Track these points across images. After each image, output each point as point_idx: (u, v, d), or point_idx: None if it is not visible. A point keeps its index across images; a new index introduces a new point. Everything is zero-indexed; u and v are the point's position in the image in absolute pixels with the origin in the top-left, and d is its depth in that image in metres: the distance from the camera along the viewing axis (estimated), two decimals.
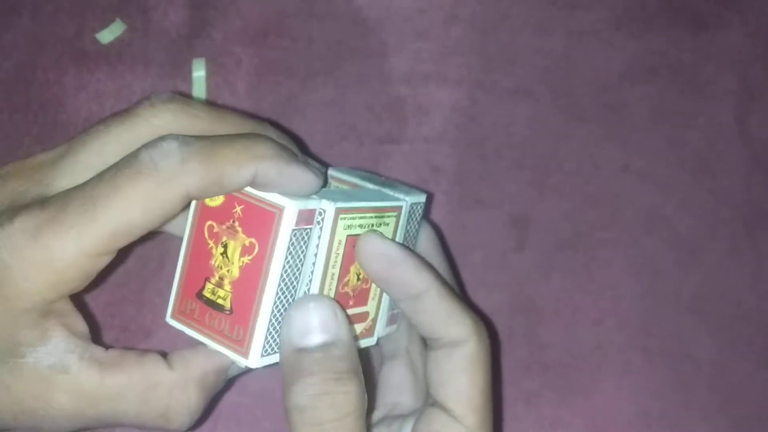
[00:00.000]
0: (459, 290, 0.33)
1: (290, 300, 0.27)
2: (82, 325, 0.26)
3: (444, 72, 0.44)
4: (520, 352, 0.42)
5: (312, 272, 0.27)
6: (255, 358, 0.26)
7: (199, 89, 0.43)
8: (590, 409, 0.42)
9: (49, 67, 0.44)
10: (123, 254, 0.27)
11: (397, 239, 0.31)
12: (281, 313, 0.27)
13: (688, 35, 0.45)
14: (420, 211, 0.32)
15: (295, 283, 0.27)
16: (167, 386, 0.26)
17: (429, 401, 0.30)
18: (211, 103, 0.29)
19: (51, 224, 0.23)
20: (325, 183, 0.33)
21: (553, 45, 0.45)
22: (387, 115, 0.44)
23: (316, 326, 0.26)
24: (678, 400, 0.42)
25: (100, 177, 0.24)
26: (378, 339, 0.32)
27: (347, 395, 0.25)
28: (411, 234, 0.32)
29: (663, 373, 0.42)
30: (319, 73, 0.44)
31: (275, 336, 0.27)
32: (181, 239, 0.29)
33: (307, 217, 0.26)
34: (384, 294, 0.31)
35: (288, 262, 0.26)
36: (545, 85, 0.44)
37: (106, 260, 0.25)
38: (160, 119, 0.27)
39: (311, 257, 0.27)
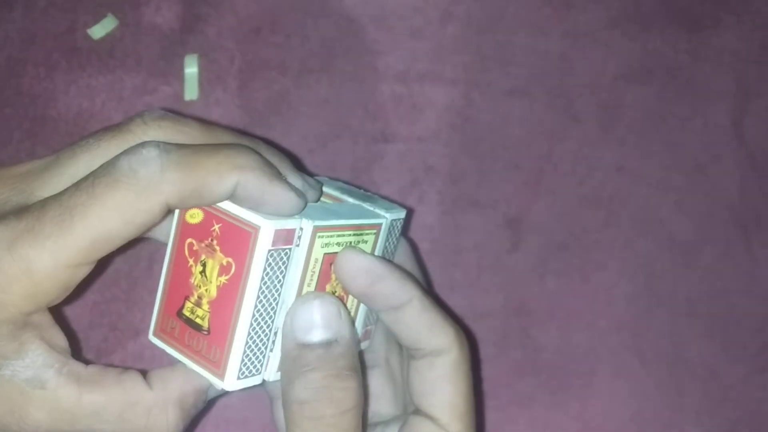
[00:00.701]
0: (434, 298, 0.33)
1: (269, 322, 0.26)
2: (61, 339, 0.26)
3: (439, 71, 0.44)
4: (514, 354, 0.42)
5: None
6: (231, 381, 0.26)
7: (191, 85, 0.42)
8: (584, 411, 0.41)
9: (40, 62, 0.43)
10: (103, 264, 0.26)
11: (375, 254, 0.30)
12: (259, 336, 0.26)
13: (684, 36, 0.45)
14: (399, 226, 0.32)
15: (273, 304, 0.26)
16: (146, 406, 0.25)
17: (410, 409, 0.30)
18: (203, 120, 0.29)
19: (27, 235, 0.23)
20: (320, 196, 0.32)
21: (549, 45, 0.44)
22: (381, 114, 0.43)
23: (319, 323, 0.26)
24: (671, 402, 0.42)
25: (77, 185, 0.24)
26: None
27: (347, 391, 0.25)
28: (389, 250, 0.31)
29: (656, 375, 0.42)
30: (312, 70, 0.43)
31: (253, 359, 0.26)
32: (162, 243, 0.28)
33: (285, 237, 0.25)
34: (359, 310, 0.30)
35: (265, 283, 0.25)
36: (540, 85, 0.44)
37: (85, 271, 0.24)
38: (151, 136, 0.26)
39: (292, 278, 0.27)
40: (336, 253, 0.28)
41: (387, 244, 0.31)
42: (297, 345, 0.26)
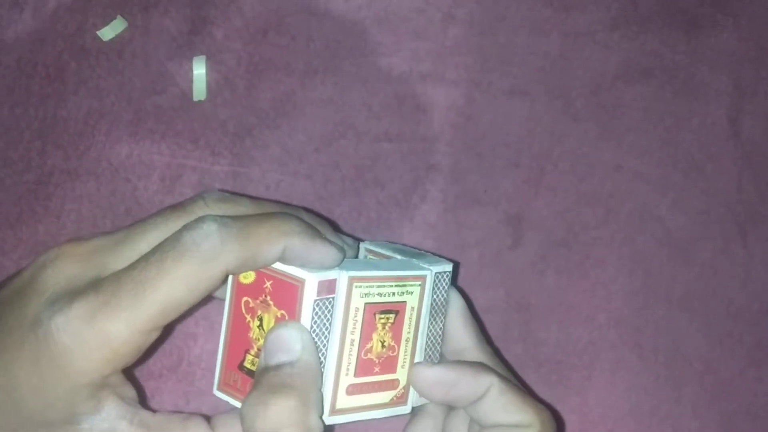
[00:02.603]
0: (493, 351, 0.34)
1: (321, 366, 0.28)
2: (131, 392, 0.28)
3: (441, 72, 0.45)
4: (515, 349, 0.42)
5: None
6: None
7: (199, 86, 0.43)
8: (583, 405, 0.42)
9: (50, 63, 0.44)
10: (170, 327, 0.28)
11: (423, 307, 0.31)
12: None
13: (682, 37, 0.46)
14: (447, 279, 0.32)
15: (323, 349, 0.28)
16: None
17: None
18: (253, 197, 0.31)
19: (105, 308, 0.25)
20: (357, 254, 0.34)
21: (549, 46, 0.45)
22: (385, 114, 0.44)
23: (279, 348, 0.27)
24: (669, 396, 0.43)
25: (146, 259, 0.26)
26: (414, 407, 0.32)
27: (283, 408, 0.25)
28: (439, 302, 0.32)
29: (654, 369, 0.43)
30: (317, 71, 0.44)
31: None
32: (222, 301, 0.30)
33: (328, 287, 0.28)
34: (417, 359, 0.31)
35: (314, 330, 0.28)
36: (541, 86, 0.45)
37: (155, 335, 0.27)
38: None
39: (336, 327, 0.29)
40: (379, 303, 0.29)
41: (435, 296, 0.31)
42: (260, 369, 0.27)
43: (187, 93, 0.43)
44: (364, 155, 0.43)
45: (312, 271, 0.28)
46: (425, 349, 0.31)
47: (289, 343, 0.27)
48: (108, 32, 0.44)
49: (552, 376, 0.42)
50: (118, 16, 0.44)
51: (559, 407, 0.42)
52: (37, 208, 0.42)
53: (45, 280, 0.27)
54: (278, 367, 0.27)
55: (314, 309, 0.27)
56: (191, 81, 0.43)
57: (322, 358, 0.28)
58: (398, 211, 0.43)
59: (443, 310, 0.32)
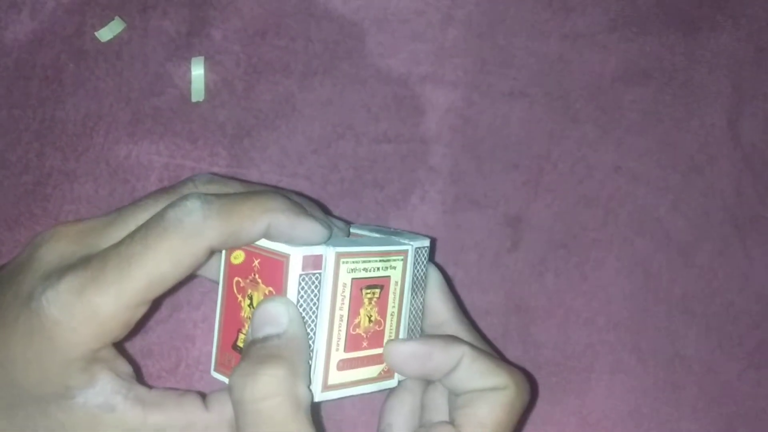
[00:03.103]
0: (470, 323, 0.34)
1: (310, 339, 0.28)
2: (126, 367, 0.29)
3: (440, 73, 0.44)
4: (514, 351, 0.42)
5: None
6: None
7: (197, 88, 0.43)
8: (582, 407, 0.42)
9: (48, 64, 0.44)
10: (157, 302, 0.29)
11: (406, 282, 0.31)
12: None
13: (681, 39, 0.46)
14: (425, 254, 0.33)
15: (312, 324, 0.28)
16: (203, 426, 0.28)
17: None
18: (244, 180, 0.32)
19: (93, 283, 0.26)
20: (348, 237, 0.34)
21: (548, 47, 0.45)
22: (384, 116, 0.44)
23: (266, 321, 0.28)
24: (668, 398, 0.43)
25: (132, 236, 0.27)
26: (399, 381, 0.33)
27: (272, 378, 0.26)
28: (419, 277, 0.32)
29: (654, 372, 0.43)
30: (316, 72, 0.44)
31: None
32: (212, 281, 0.30)
33: (314, 263, 0.28)
34: (401, 333, 0.32)
35: (301, 306, 0.28)
36: (540, 87, 0.45)
37: (142, 310, 0.28)
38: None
39: (324, 303, 0.29)
40: (365, 278, 0.30)
41: (416, 270, 0.32)
42: (247, 342, 0.28)
43: (186, 94, 0.43)
44: (362, 156, 0.43)
45: (297, 247, 0.28)
46: (409, 319, 0.31)
47: (276, 316, 0.27)
48: (106, 33, 0.44)
49: (551, 378, 0.42)
50: (116, 18, 0.44)
51: (558, 409, 0.42)
52: (36, 210, 0.42)
53: (39, 258, 0.28)
54: (265, 339, 0.27)
55: (300, 284, 0.28)
56: (189, 82, 0.43)
57: (312, 334, 0.28)
58: (397, 213, 0.43)
59: (422, 284, 0.32)
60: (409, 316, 0.31)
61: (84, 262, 0.27)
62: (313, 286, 0.28)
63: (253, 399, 0.26)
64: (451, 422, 0.30)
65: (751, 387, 0.43)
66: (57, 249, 0.28)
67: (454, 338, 0.31)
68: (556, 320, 0.43)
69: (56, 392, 0.26)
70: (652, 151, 0.45)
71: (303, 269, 0.28)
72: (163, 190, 0.30)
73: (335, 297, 0.29)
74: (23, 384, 0.26)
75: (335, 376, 0.29)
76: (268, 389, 0.26)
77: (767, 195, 0.45)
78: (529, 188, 0.44)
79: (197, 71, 0.43)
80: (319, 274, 0.28)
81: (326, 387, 0.29)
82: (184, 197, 0.27)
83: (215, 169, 0.43)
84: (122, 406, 0.27)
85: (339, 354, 0.29)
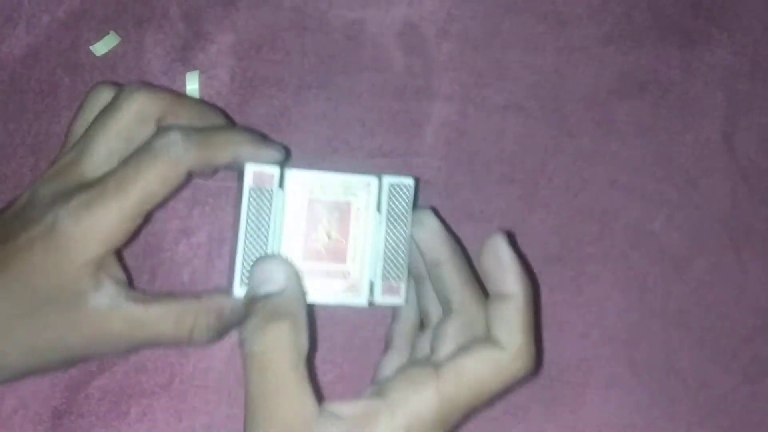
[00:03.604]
0: (467, 264, 0.36)
1: (262, 246, 0.33)
2: (122, 275, 0.34)
3: (435, 87, 0.45)
4: None
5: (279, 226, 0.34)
6: (236, 289, 0.33)
7: None
8: (577, 422, 0.42)
9: (43, 78, 0.44)
10: (147, 219, 0.34)
11: (371, 211, 0.34)
12: (252, 255, 0.33)
13: (676, 52, 0.46)
14: (407, 193, 0.35)
15: (265, 231, 0.33)
16: (193, 312, 0.33)
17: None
18: (171, 90, 0.38)
19: (99, 199, 0.32)
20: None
21: (543, 61, 0.45)
22: (379, 129, 0.44)
23: (266, 279, 0.31)
24: (663, 413, 0.43)
25: (126, 163, 0.33)
26: (373, 304, 0.35)
27: (278, 331, 0.29)
28: (398, 213, 0.35)
29: (648, 386, 0.43)
30: (311, 86, 0.44)
31: (247, 274, 0.33)
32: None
33: (266, 179, 0.33)
34: (370, 258, 0.34)
35: (252, 213, 0.33)
36: (535, 101, 0.45)
37: (138, 222, 0.33)
38: (137, 106, 0.35)
39: (277, 215, 0.33)
40: (323, 200, 0.34)
41: (393, 206, 0.35)
42: (248, 298, 0.32)
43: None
44: (358, 171, 0.43)
45: (251, 164, 0.33)
46: (385, 252, 0.34)
47: (274, 274, 0.31)
48: (101, 47, 0.44)
49: (545, 392, 0.42)
50: (111, 32, 0.44)
51: (553, 424, 0.42)
52: None
53: (40, 192, 0.33)
54: (267, 296, 0.31)
55: (250, 194, 0.33)
56: None
57: (264, 239, 0.33)
58: None
59: (404, 220, 0.34)
60: (388, 246, 0.34)
61: (86, 186, 0.32)
62: (264, 198, 0.33)
63: (262, 351, 0.29)
64: (433, 363, 0.31)
65: (746, 401, 0.43)
66: (53, 183, 0.33)
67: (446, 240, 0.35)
68: (551, 334, 0.43)
69: (70, 296, 0.32)
70: (647, 164, 0.45)
71: (254, 183, 0.33)
72: (104, 113, 0.35)
73: (292, 211, 0.33)
74: (42, 291, 0.31)
75: None
76: (274, 342, 0.29)
77: (762, 208, 0.45)
78: (525, 202, 0.44)
79: (192, 85, 0.43)
80: (270, 189, 0.33)
81: None
82: (167, 130, 0.33)
83: (210, 183, 0.43)
84: (125, 303, 0.32)
85: (297, 262, 0.33)
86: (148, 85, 0.36)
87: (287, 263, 0.32)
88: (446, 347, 0.32)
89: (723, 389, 0.43)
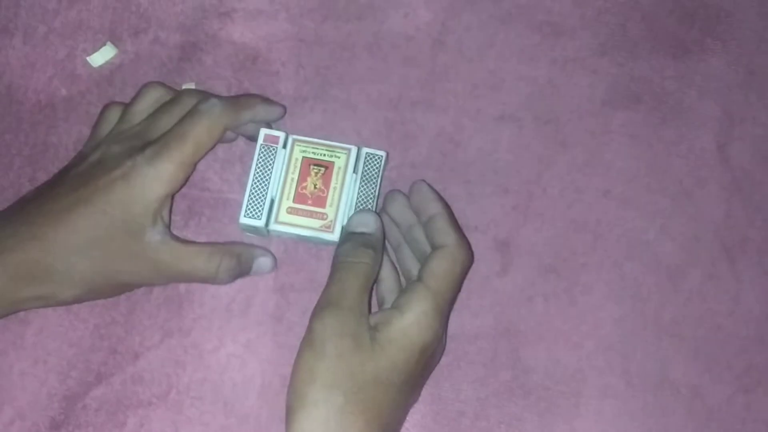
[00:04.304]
0: (453, 218, 0.42)
1: (264, 188, 0.41)
2: (169, 220, 0.42)
3: (430, 98, 0.45)
4: (503, 376, 0.43)
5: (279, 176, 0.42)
6: (242, 217, 0.41)
7: None
8: None
9: (40, 89, 0.44)
10: (194, 168, 0.41)
11: (348, 170, 0.42)
12: (258, 195, 0.41)
13: (670, 62, 0.46)
14: (380, 162, 0.42)
15: (267, 177, 0.41)
16: (220, 253, 0.41)
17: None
18: (237, 101, 0.43)
19: (164, 149, 0.39)
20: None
21: (538, 72, 0.45)
22: (374, 140, 0.44)
23: (364, 223, 0.40)
24: (657, 422, 0.43)
25: (181, 123, 0.40)
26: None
27: (362, 257, 0.39)
28: (370, 175, 0.42)
29: (642, 396, 0.43)
30: (307, 98, 0.44)
31: (254, 209, 0.41)
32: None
33: (272, 140, 0.42)
34: (344, 207, 0.42)
35: (260, 163, 0.41)
36: (529, 112, 0.45)
37: (190, 171, 0.40)
38: (214, 121, 0.41)
39: (279, 167, 0.42)
40: (313, 158, 0.42)
41: (366, 169, 0.42)
42: (348, 233, 0.40)
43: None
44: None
45: (265, 128, 0.42)
46: (356, 205, 0.42)
47: (368, 221, 0.40)
48: (98, 58, 0.44)
49: (540, 402, 0.43)
50: (108, 43, 0.44)
51: None
52: None
53: (112, 150, 0.40)
54: (362, 234, 0.40)
55: (260, 149, 0.41)
56: None
57: (266, 183, 0.41)
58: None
59: (374, 182, 0.42)
60: (359, 198, 0.42)
61: (151, 144, 0.40)
62: (270, 154, 0.42)
63: (352, 261, 0.38)
64: (419, 279, 0.39)
65: (740, 411, 0.43)
66: (124, 145, 0.40)
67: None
68: (545, 344, 0.43)
69: (136, 228, 0.39)
70: (641, 175, 0.45)
71: (264, 141, 0.42)
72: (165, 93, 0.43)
73: (290, 165, 0.42)
74: (117, 222, 0.39)
75: (285, 216, 0.41)
76: (361, 258, 0.39)
77: (756, 218, 0.45)
78: (519, 212, 0.44)
79: None
80: (275, 147, 0.42)
81: (277, 221, 0.41)
82: (207, 97, 0.41)
83: (206, 195, 0.43)
84: (171, 241, 0.40)
85: (289, 202, 0.41)
86: (224, 104, 0.41)
87: (378, 217, 0.41)
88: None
89: (717, 399, 0.43)
